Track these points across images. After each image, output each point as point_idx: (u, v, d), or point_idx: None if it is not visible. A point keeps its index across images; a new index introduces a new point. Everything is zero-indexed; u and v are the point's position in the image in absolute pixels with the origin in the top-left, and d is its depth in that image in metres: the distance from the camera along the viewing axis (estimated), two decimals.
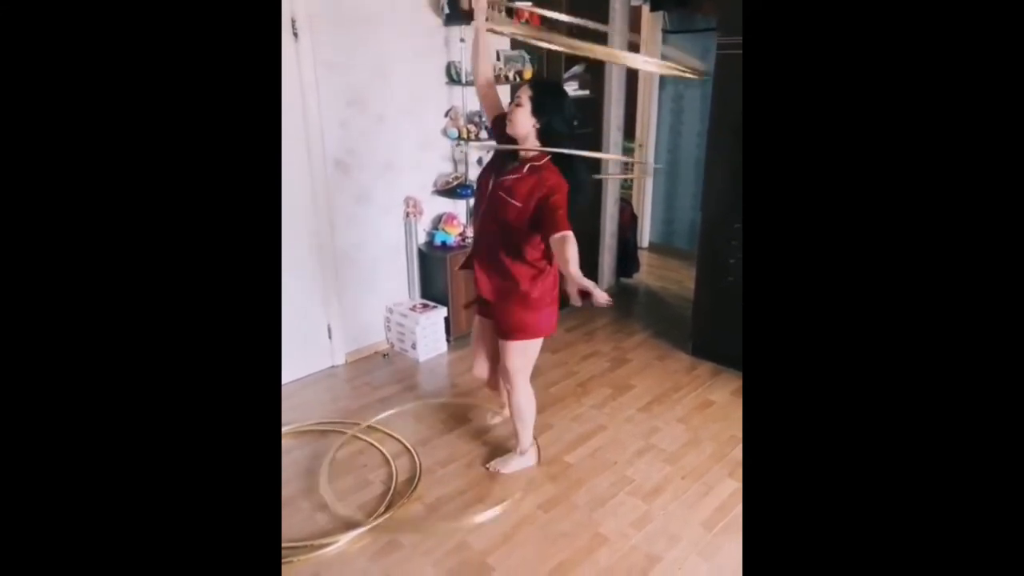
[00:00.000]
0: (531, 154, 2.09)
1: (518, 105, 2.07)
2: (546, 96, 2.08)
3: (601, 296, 1.78)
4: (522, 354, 2.29)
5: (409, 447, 2.64)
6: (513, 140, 2.12)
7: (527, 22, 3.49)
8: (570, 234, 1.92)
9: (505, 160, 2.16)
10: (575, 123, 2.20)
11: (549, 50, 3.58)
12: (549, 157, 2.07)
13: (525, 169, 2.07)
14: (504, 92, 3.20)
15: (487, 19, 2.26)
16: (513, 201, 2.05)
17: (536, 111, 2.05)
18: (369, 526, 2.17)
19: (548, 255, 2.13)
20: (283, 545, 2.08)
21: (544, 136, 2.08)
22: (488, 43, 2.30)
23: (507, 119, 2.11)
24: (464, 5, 3.11)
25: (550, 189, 2.01)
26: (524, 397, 2.37)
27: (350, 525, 2.18)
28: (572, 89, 3.78)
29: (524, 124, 2.06)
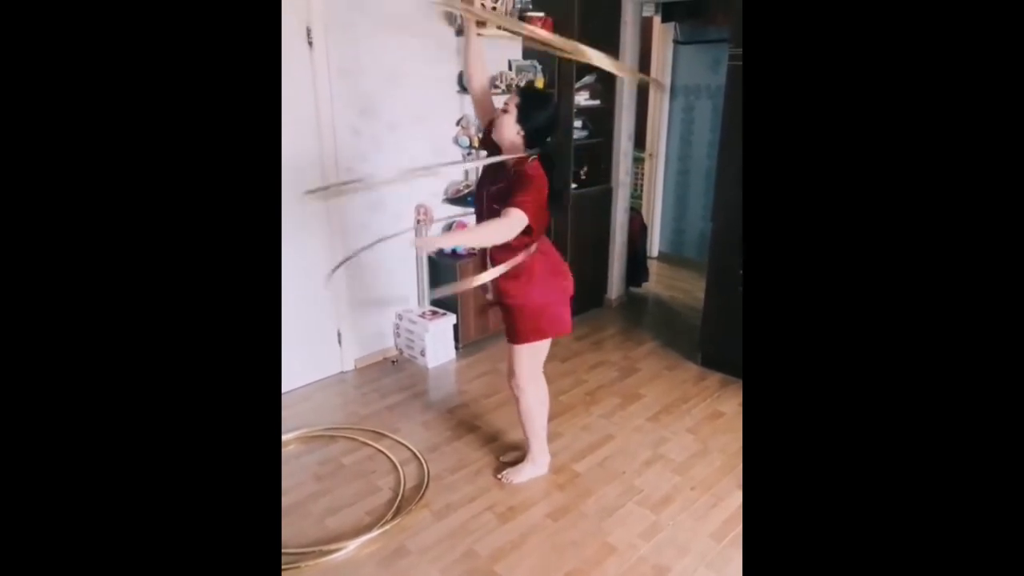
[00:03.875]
0: (515, 160, 2.10)
1: (504, 111, 2.08)
2: (532, 104, 2.09)
3: (419, 245, 1.90)
4: (528, 358, 2.29)
5: (417, 454, 2.64)
6: (498, 147, 2.14)
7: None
8: (515, 212, 1.94)
9: (495, 170, 2.18)
10: (555, 131, 2.23)
11: (560, 60, 3.61)
12: (535, 159, 2.09)
13: (512, 175, 2.08)
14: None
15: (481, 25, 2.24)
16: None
17: (522, 118, 2.06)
18: (377, 532, 2.18)
19: (543, 255, 2.16)
20: (291, 551, 2.09)
21: (530, 143, 2.09)
22: (480, 50, 2.29)
23: (493, 125, 2.14)
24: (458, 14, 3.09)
25: (527, 177, 2.03)
26: (533, 400, 2.37)
27: (359, 531, 2.19)
28: (583, 99, 3.80)
29: (510, 130, 2.07)
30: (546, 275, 2.19)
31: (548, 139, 2.16)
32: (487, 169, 2.25)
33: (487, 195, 2.15)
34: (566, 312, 2.28)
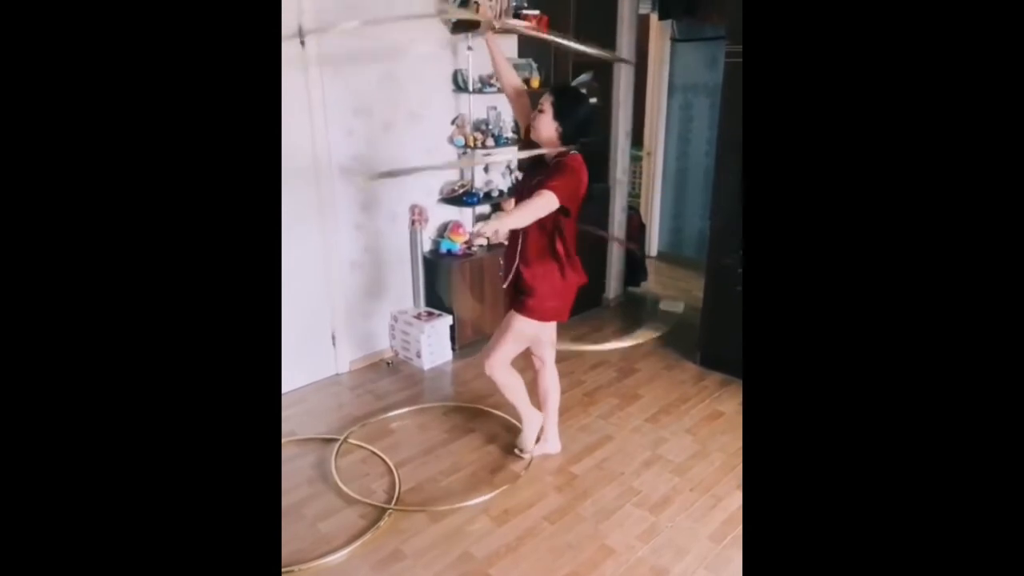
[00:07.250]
0: (554, 154, 2.16)
1: (541, 111, 2.16)
2: (567, 101, 2.17)
3: (480, 232, 1.96)
4: (514, 337, 2.32)
5: (412, 456, 2.61)
6: (537, 146, 2.20)
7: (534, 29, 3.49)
8: (546, 193, 2.01)
9: (536, 167, 2.24)
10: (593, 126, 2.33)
11: (556, 58, 3.59)
12: (575, 152, 2.15)
13: (551, 166, 2.15)
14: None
15: (495, 26, 2.31)
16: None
17: (558, 116, 2.13)
18: (371, 535, 2.15)
19: (564, 247, 2.24)
20: (285, 555, 2.06)
21: (566, 140, 2.16)
22: (502, 51, 2.35)
23: (531, 125, 2.20)
24: (472, 13, 3.12)
25: (566, 167, 2.10)
26: (506, 378, 2.41)
27: (353, 534, 2.16)
28: None
29: (547, 129, 2.15)
30: (567, 265, 2.27)
31: (587, 136, 2.21)
32: (529, 168, 2.33)
33: (526, 190, 2.21)
34: (568, 304, 2.36)
